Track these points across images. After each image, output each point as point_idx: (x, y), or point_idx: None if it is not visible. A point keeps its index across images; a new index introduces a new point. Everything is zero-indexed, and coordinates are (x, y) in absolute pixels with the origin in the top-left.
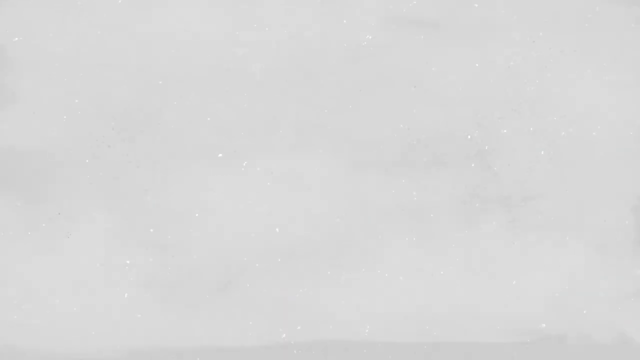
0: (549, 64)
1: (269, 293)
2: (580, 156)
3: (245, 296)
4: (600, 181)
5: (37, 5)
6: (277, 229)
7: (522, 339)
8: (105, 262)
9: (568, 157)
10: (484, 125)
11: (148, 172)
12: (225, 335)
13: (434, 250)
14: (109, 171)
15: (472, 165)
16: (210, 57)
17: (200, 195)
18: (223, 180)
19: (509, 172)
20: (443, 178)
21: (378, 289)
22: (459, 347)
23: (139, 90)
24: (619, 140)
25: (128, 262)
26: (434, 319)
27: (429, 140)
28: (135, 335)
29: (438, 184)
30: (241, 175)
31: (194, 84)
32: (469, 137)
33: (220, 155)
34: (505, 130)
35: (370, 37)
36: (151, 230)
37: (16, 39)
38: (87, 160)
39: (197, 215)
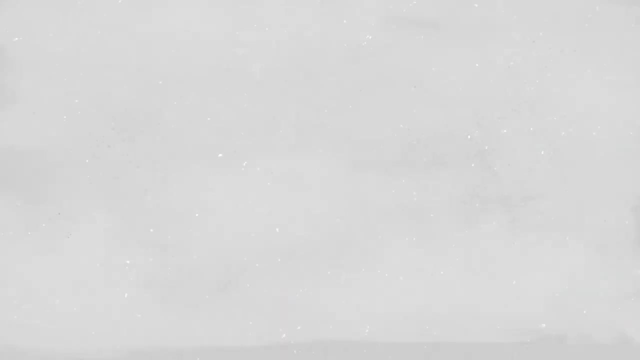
0: (549, 64)
1: (269, 293)
2: (580, 156)
3: (245, 296)
4: (600, 181)
5: (37, 5)
6: (277, 229)
7: (522, 339)
8: (105, 262)
9: (568, 157)
10: (484, 125)
11: (148, 172)
12: (225, 335)
13: (434, 250)
14: (109, 171)
15: (472, 165)
16: (210, 57)
17: (200, 195)
18: (223, 180)
19: (509, 172)
20: (443, 178)
21: (378, 289)
22: (459, 347)
23: (139, 90)
24: (619, 140)
25: (128, 262)
26: (434, 319)
27: (429, 140)
28: (135, 335)
29: (438, 184)
30: (241, 175)
31: (194, 84)
32: (469, 137)
33: (220, 155)
34: (505, 130)
35: (370, 37)
36: (151, 230)
37: (16, 39)
38: (87, 160)
39: (197, 215)
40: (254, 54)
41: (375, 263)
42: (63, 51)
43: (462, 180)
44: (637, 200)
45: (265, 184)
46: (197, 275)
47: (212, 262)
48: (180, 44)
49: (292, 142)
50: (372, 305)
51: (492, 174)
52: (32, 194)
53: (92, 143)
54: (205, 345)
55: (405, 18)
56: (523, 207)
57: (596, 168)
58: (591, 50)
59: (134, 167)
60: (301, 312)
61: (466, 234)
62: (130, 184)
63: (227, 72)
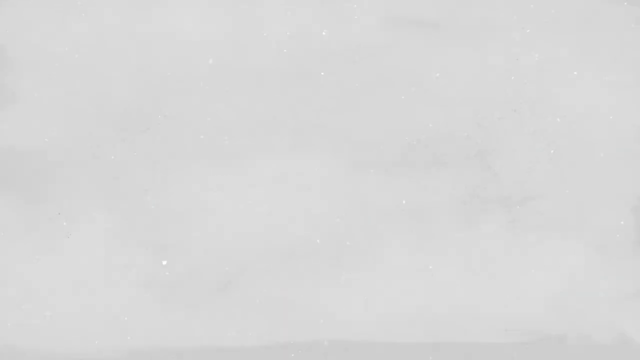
0: (549, 64)
1: (269, 293)
2: (580, 156)
3: (245, 296)
4: (600, 181)
5: (37, 5)
6: (277, 229)
7: (522, 339)
8: (105, 262)
9: (568, 157)
10: (484, 125)
11: (148, 172)
12: (225, 335)
13: (434, 250)
14: (109, 171)
15: (472, 165)
16: (210, 57)
17: (200, 195)
18: (223, 180)
19: (509, 172)
20: (443, 178)
21: (378, 289)
22: (459, 347)
23: (139, 90)
24: (619, 140)
25: (128, 262)
26: (434, 319)
27: (429, 140)
28: (135, 335)
29: (438, 184)
30: (241, 175)
31: (194, 84)
32: (469, 137)
33: (220, 155)
34: (505, 130)
35: (370, 37)
36: (151, 230)
37: (16, 39)
38: (87, 160)
39: (197, 215)
40: (253, 54)
41: (375, 263)
42: (63, 51)
43: (462, 180)
44: (637, 200)
45: (265, 184)
46: (197, 275)
47: (212, 262)
48: (180, 44)
49: (292, 142)
50: (372, 305)
51: (492, 174)
52: (32, 194)
53: (92, 143)
54: (205, 345)
55: (405, 18)
56: (523, 207)
57: (596, 168)
58: (591, 50)
59: (134, 167)
60: (301, 312)
61: (466, 234)
62: (130, 184)
63: (227, 72)
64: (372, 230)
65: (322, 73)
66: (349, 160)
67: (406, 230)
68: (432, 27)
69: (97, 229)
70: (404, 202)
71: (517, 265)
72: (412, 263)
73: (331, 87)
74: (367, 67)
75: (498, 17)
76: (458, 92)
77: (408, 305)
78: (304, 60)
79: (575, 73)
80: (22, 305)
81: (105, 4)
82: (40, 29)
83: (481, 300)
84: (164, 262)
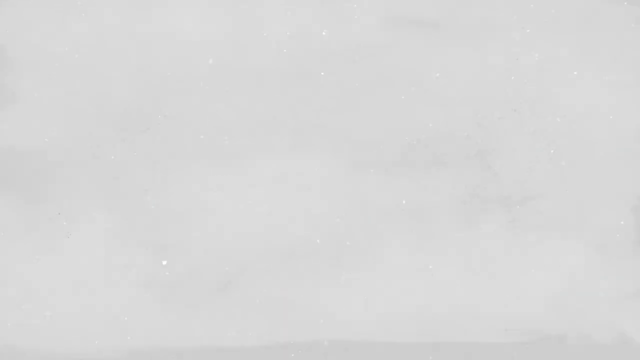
0: (549, 64)
1: (269, 293)
2: (580, 156)
3: (245, 296)
4: (600, 181)
5: (37, 5)
6: (277, 229)
7: (522, 339)
8: (105, 262)
9: (568, 157)
10: (484, 125)
11: (148, 172)
12: (225, 335)
13: (434, 250)
14: (109, 171)
15: (472, 165)
16: (210, 57)
17: (200, 195)
18: (223, 180)
19: (509, 172)
20: (443, 178)
21: (378, 289)
22: (459, 347)
23: (139, 90)
24: (619, 140)
25: (128, 262)
26: (434, 318)
27: (429, 140)
28: (135, 335)
29: (438, 184)
30: (241, 175)
31: (194, 84)
32: (469, 137)
33: (220, 155)
34: (505, 130)
35: (370, 37)
36: (151, 230)
37: (16, 39)
38: (87, 160)
39: (197, 215)
40: (253, 54)
41: (375, 263)
42: (63, 51)
43: (462, 180)
44: (637, 200)
45: (265, 184)
46: (197, 275)
47: (212, 262)
48: (180, 44)
49: (292, 142)
50: (372, 305)
51: (492, 174)
52: (32, 194)
53: (92, 143)
54: (205, 345)
55: (405, 18)
56: (523, 207)
57: (596, 168)
58: (591, 50)
59: (134, 167)
60: (301, 312)
61: (466, 234)
62: (130, 184)
63: (227, 72)
64: (372, 230)
65: (322, 73)
66: (349, 160)
67: (406, 230)
68: (432, 27)
69: (97, 229)
70: (404, 202)
71: (517, 265)
72: (412, 263)
73: (331, 87)
74: (367, 67)
75: (498, 17)
76: (458, 92)
77: (408, 305)
78: (304, 60)
79: (575, 73)
80: (22, 305)
81: (105, 4)
82: (40, 29)
83: (481, 300)
84: (164, 262)
